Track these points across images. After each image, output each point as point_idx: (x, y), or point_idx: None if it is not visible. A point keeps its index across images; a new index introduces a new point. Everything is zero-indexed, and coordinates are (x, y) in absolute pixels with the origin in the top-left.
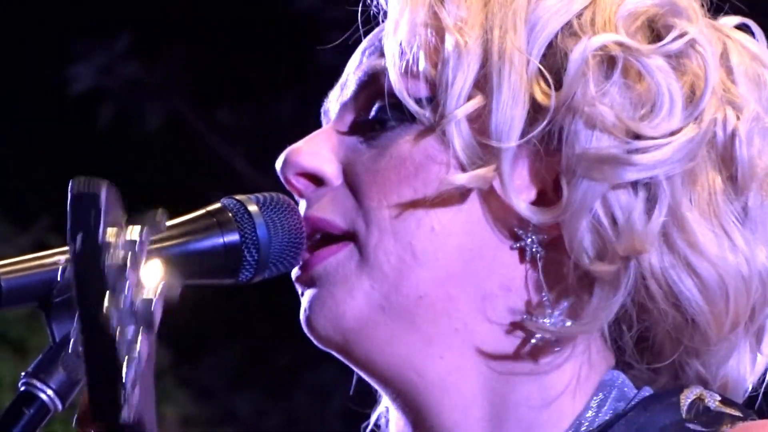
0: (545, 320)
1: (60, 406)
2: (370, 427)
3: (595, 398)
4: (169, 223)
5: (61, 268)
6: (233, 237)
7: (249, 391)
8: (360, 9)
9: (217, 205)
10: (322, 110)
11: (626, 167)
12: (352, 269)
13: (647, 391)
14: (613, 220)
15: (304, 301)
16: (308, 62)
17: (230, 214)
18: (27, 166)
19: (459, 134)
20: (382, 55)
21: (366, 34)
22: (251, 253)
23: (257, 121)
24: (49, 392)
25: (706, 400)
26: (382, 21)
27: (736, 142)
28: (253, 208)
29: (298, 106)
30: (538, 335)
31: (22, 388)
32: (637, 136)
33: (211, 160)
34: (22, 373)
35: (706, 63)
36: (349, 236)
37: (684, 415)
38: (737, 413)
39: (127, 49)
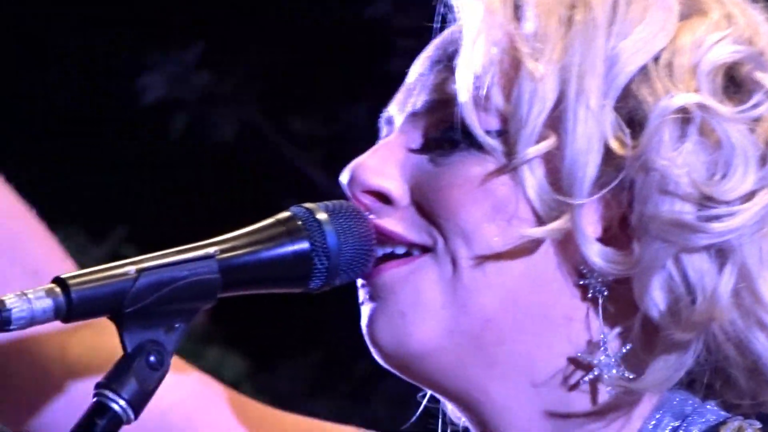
0: (600, 359)
1: (132, 417)
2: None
3: (652, 420)
4: (238, 232)
5: (133, 279)
6: (303, 245)
7: (327, 398)
8: (435, 10)
9: (287, 214)
10: (383, 117)
11: (699, 234)
12: (424, 280)
13: (708, 409)
14: (686, 280)
15: (367, 311)
16: (380, 69)
17: (300, 223)
18: (102, 178)
19: (531, 176)
20: (451, 72)
21: (440, 30)
22: (321, 260)
23: (330, 128)
24: (122, 402)
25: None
26: (450, 24)
27: None
28: (322, 215)
29: (371, 113)
30: (593, 374)
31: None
32: (710, 199)
33: (285, 168)
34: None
35: None
36: (421, 249)
37: None
38: None
39: (199, 59)
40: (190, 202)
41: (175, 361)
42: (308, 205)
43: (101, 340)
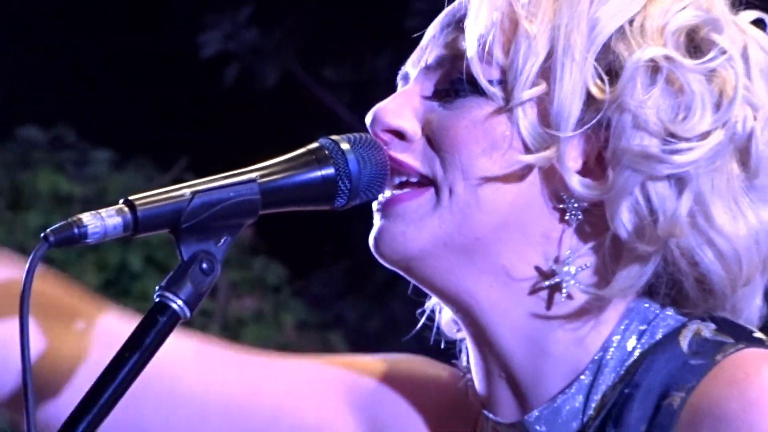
0: (564, 269)
1: (188, 314)
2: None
3: (621, 325)
4: (275, 159)
5: (188, 199)
6: (329, 171)
7: (353, 299)
8: None
9: (316, 145)
10: (400, 74)
11: (663, 164)
12: (428, 210)
13: (668, 315)
14: (650, 204)
15: (377, 227)
16: (398, 27)
17: (327, 152)
18: (168, 118)
19: (524, 116)
20: (460, 32)
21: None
22: (344, 183)
23: (357, 76)
24: (179, 302)
25: (702, 333)
26: None
27: (753, 141)
28: (345, 146)
29: (390, 64)
30: (554, 281)
31: (157, 299)
32: (673, 136)
33: (319, 110)
34: (156, 287)
35: (737, 78)
36: (427, 180)
37: (686, 352)
38: (730, 339)
39: (249, 19)
40: (239, 137)
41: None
42: (334, 137)
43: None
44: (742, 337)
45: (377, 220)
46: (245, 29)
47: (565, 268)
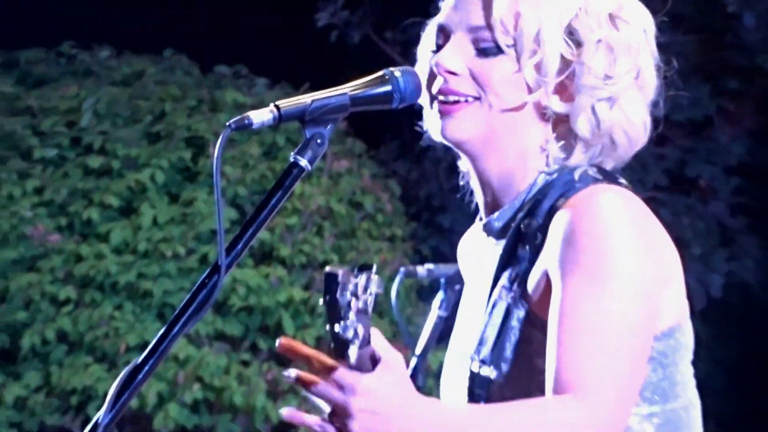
0: (543, 151)
1: (309, 168)
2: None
3: (549, 168)
4: (358, 80)
5: (309, 103)
6: (388, 88)
7: (403, 161)
8: None
9: (381, 73)
10: (434, 24)
11: (602, 90)
12: (472, 115)
13: (571, 165)
14: (596, 116)
15: (442, 124)
16: (428, 6)
17: (387, 77)
18: (299, 62)
19: (529, 74)
20: (487, 10)
21: None
22: (397, 94)
23: (405, 36)
24: (305, 162)
25: (589, 171)
26: None
27: (642, 69)
28: (398, 73)
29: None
30: (535, 157)
31: (292, 160)
32: (608, 76)
33: (383, 56)
34: (292, 153)
35: (639, 41)
36: (473, 98)
37: (576, 179)
38: (601, 177)
39: (343, 5)
40: (338, 71)
41: None
42: (391, 68)
43: None
44: (610, 178)
45: (440, 120)
46: (342, 10)
47: (544, 150)
